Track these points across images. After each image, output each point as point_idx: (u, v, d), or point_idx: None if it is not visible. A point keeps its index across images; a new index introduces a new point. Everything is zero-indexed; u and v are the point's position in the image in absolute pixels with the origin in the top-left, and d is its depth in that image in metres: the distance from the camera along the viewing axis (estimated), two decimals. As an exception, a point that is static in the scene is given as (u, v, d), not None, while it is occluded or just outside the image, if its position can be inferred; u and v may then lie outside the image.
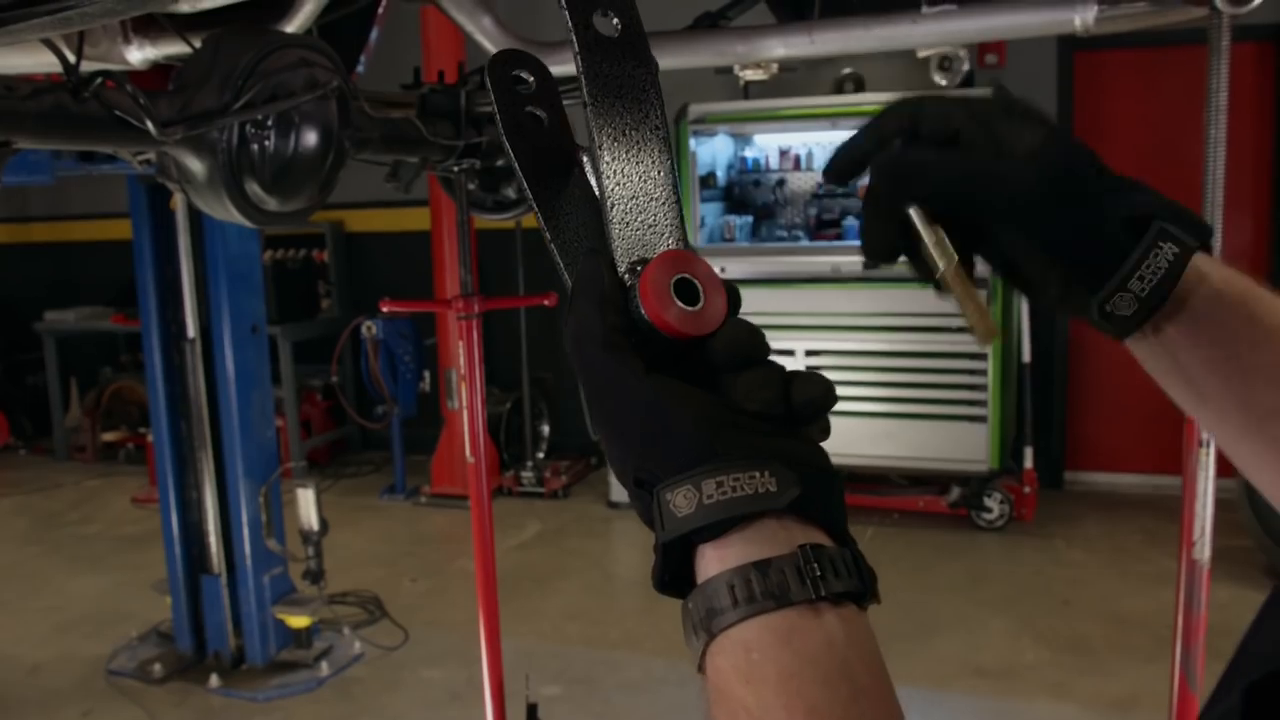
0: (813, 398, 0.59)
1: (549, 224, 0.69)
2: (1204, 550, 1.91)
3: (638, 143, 0.67)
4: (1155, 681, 4.04)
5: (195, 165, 1.67)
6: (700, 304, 0.62)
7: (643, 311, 0.62)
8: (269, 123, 1.69)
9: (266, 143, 1.70)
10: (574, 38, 0.66)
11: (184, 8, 1.47)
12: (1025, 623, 4.73)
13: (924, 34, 1.93)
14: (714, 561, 0.56)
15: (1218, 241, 1.86)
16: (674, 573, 0.58)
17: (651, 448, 0.58)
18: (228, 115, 1.59)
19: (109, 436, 8.05)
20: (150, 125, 1.48)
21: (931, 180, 0.73)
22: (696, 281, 0.62)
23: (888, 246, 0.75)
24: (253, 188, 1.72)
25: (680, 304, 0.61)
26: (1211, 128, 1.82)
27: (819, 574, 0.54)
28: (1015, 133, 0.73)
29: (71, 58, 1.48)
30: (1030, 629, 4.67)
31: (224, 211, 1.73)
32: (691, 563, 0.57)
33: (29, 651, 4.76)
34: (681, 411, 0.58)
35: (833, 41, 1.98)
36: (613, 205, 0.66)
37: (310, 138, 1.75)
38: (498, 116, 0.68)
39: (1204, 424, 0.77)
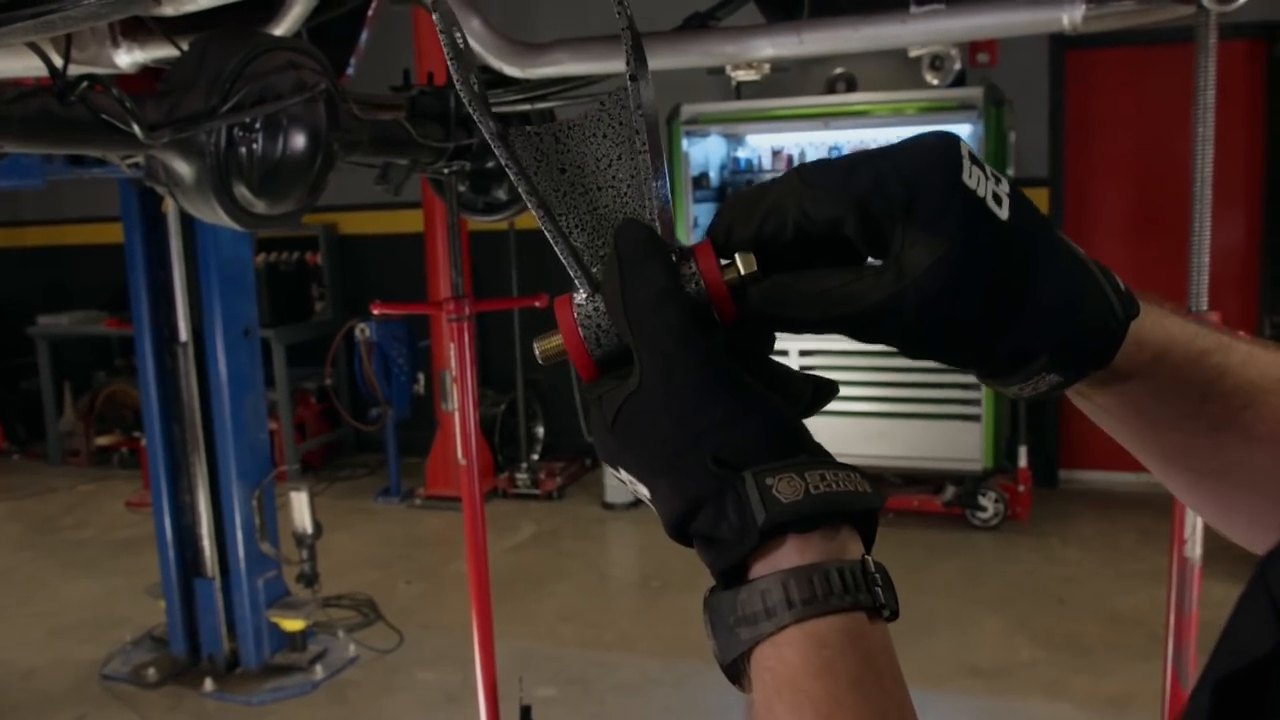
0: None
1: (546, 207, 0.67)
2: (1195, 548, 1.91)
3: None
4: (1150, 679, 4.03)
5: (183, 168, 1.67)
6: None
7: (702, 283, 0.62)
8: (257, 125, 1.69)
9: (254, 145, 1.70)
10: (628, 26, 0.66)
11: (168, 11, 1.47)
12: (1020, 621, 4.73)
13: (912, 33, 1.93)
14: (794, 553, 0.55)
15: (1205, 239, 1.86)
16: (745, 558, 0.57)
17: (744, 429, 0.58)
18: (215, 118, 1.59)
19: (102, 440, 8.03)
20: (137, 129, 1.48)
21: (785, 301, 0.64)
22: (737, 261, 0.63)
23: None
24: (241, 191, 1.72)
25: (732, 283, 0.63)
26: (1199, 125, 1.82)
27: (880, 583, 0.56)
28: (909, 240, 0.60)
29: (59, 62, 1.48)
30: (1025, 628, 4.67)
31: (212, 215, 1.72)
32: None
33: (23, 656, 4.75)
34: (770, 397, 0.59)
35: (821, 41, 1.98)
36: (648, 181, 0.66)
37: (298, 140, 1.75)
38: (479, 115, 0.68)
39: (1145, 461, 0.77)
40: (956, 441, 5.79)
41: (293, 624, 4.44)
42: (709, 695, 4.24)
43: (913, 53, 5.65)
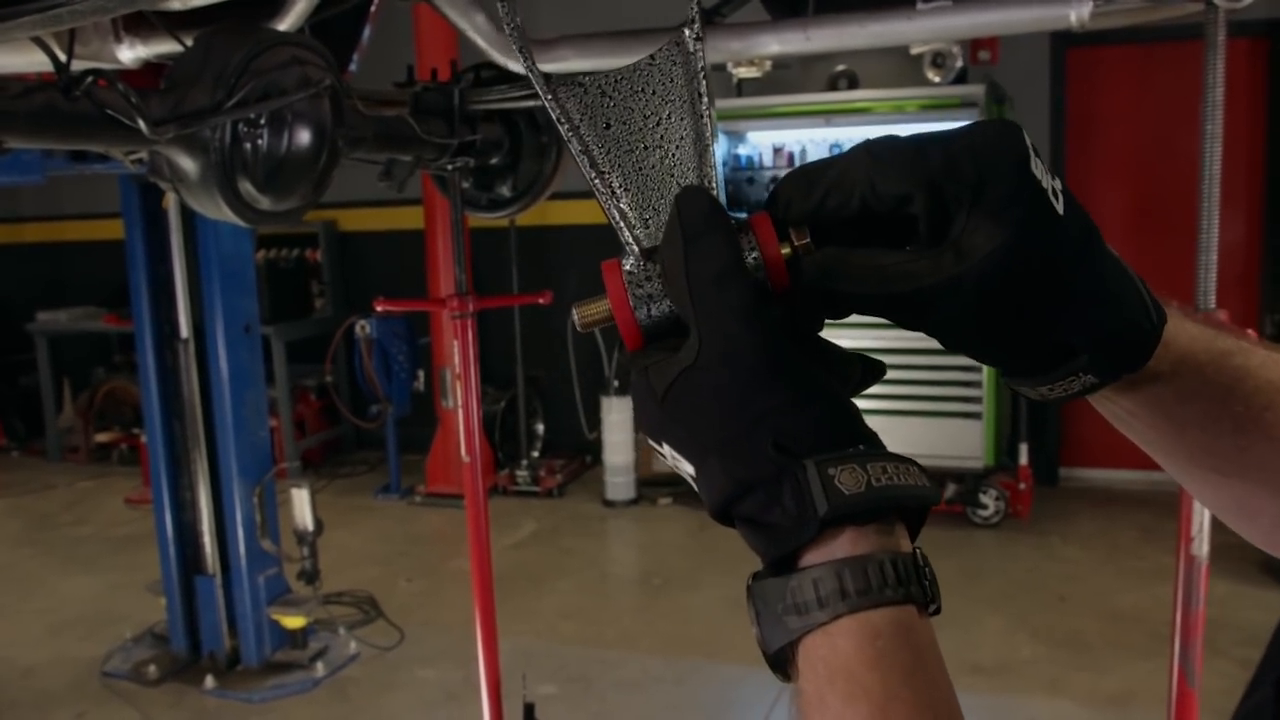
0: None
1: (599, 169, 0.66)
2: (1202, 546, 1.90)
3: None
4: (1151, 677, 4.05)
5: (188, 164, 1.66)
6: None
7: (762, 256, 0.61)
8: (262, 121, 1.68)
9: (259, 141, 1.69)
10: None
11: (175, 5, 1.46)
12: (1021, 619, 4.73)
13: (919, 30, 1.92)
14: (849, 544, 0.55)
15: (1214, 237, 1.86)
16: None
17: (807, 415, 0.57)
18: (220, 114, 1.58)
19: (102, 437, 8.03)
20: (142, 124, 1.47)
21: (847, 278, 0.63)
22: (807, 248, 0.62)
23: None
24: (245, 187, 1.71)
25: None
26: (1208, 123, 1.82)
27: (929, 578, 0.56)
28: (973, 225, 0.60)
29: (62, 57, 1.47)
30: (1026, 625, 4.67)
31: (217, 210, 1.72)
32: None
33: (23, 654, 4.74)
34: (831, 384, 0.59)
35: (828, 38, 1.97)
36: (709, 148, 0.65)
37: (303, 136, 1.74)
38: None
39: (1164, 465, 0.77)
40: (957, 439, 5.79)
41: (294, 621, 4.44)
42: (710, 692, 4.24)
43: (915, 50, 5.65)
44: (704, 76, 0.65)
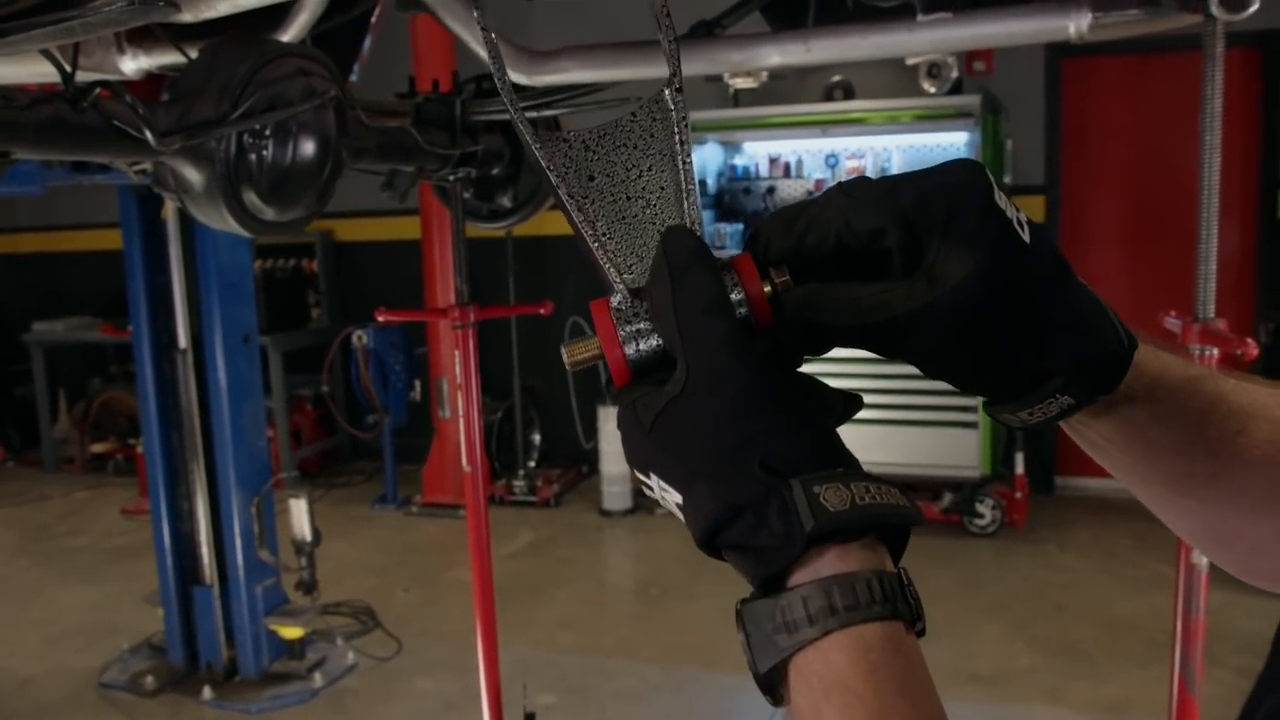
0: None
1: (582, 211, 0.69)
2: (1202, 555, 1.91)
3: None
4: (1149, 685, 4.05)
5: (193, 175, 1.67)
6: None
7: (745, 293, 0.64)
8: (267, 132, 1.69)
9: (264, 152, 1.70)
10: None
11: (186, 17, 1.47)
12: (1018, 628, 4.74)
13: (919, 41, 1.94)
14: (836, 561, 0.56)
15: (1213, 247, 1.87)
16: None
17: (793, 437, 0.59)
18: (226, 125, 1.59)
19: (98, 448, 8.02)
20: (149, 135, 1.48)
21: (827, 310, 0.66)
22: (785, 285, 0.65)
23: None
24: (250, 197, 1.72)
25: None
26: (1206, 133, 1.83)
27: (915, 598, 0.57)
28: (944, 254, 0.63)
29: (68, 68, 1.48)
30: (1023, 634, 4.67)
31: (221, 221, 1.72)
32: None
33: (19, 665, 4.73)
34: (814, 409, 0.61)
35: (829, 49, 1.98)
36: (690, 193, 0.68)
37: (308, 147, 1.75)
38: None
39: (1136, 492, 0.79)
40: (954, 449, 5.80)
41: (291, 631, 4.43)
42: (708, 702, 4.24)
43: (910, 61, 5.67)
44: (683, 131, 0.68)
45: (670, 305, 0.62)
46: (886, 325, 0.64)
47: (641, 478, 0.64)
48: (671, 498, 0.62)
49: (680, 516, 0.62)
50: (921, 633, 0.57)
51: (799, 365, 0.66)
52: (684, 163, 0.68)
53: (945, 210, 0.63)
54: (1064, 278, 0.66)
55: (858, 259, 0.65)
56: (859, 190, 0.65)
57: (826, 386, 0.64)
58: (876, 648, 0.54)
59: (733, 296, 0.63)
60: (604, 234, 0.68)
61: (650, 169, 0.69)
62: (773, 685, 0.58)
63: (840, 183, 0.66)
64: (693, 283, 0.62)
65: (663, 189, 0.69)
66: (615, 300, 0.67)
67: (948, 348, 0.65)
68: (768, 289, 0.64)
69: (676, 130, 0.69)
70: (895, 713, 0.53)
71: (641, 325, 0.66)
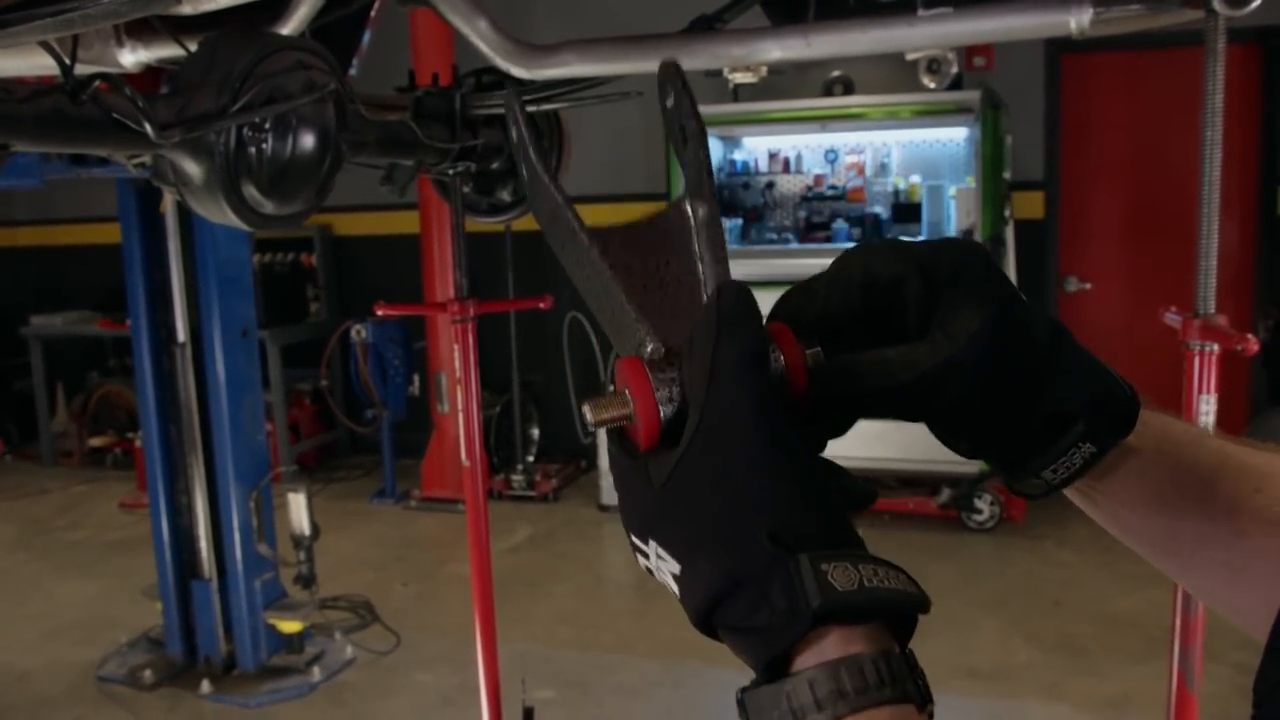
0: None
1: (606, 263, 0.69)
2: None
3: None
4: (1146, 681, 4.06)
5: (192, 168, 1.66)
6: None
7: (783, 363, 0.63)
8: (267, 125, 1.68)
9: (264, 145, 1.69)
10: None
11: (186, 9, 1.46)
12: (1016, 623, 4.75)
13: (920, 36, 1.93)
14: (841, 643, 0.54)
15: (1214, 243, 1.87)
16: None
17: (805, 512, 0.57)
18: (226, 118, 1.58)
19: (96, 441, 8.01)
20: (149, 128, 1.47)
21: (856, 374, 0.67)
22: (816, 358, 0.65)
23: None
24: (250, 191, 1.71)
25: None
26: (1207, 129, 1.83)
27: (923, 679, 0.56)
28: (956, 307, 0.66)
29: (66, 61, 1.47)
30: (1021, 629, 4.68)
31: (221, 215, 1.72)
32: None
33: (18, 658, 4.73)
34: (829, 488, 0.60)
35: (829, 44, 1.98)
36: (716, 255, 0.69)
37: (308, 140, 1.74)
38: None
39: (1147, 557, 0.78)
40: (952, 444, 5.80)
41: (290, 625, 4.43)
42: (708, 697, 4.24)
43: (910, 56, 5.67)
44: (699, 239, 0.70)
45: (710, 353, 0.59)
46: (915, 384, 0.65)
47: (639, 544, 0.62)
48: (669, 567, 0.59)
49: (675, 589, 0.59)
50: (930, 716, 0.56)
51: (823, 446, 0.66)
52: (709, 259, 0.69)
53: (953, 265, 0.67)
54: (1063, 329, 0.70)
55: (877, 324, 0.68)
56: (875, 246, 0.69)
57: (848, 474, 0.63)
58: None
59: (774, 363, 0.63)
60: (630, 309, 0.66)
61: (668, 263, 0.70)
62: None
63: (854, 246, 0.70)
64: (741, 333, 0.60)
65: (680, 279, 0.70)
66: (648, 352, 0.64)
67: (972, 401, 0.67)
68: (806, 360, 0.64)
69: (694, 239, 0.70)
70: None
71: (674, 384, 0.62)
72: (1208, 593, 0.79)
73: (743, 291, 0.62)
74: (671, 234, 0.70)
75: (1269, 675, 0.59)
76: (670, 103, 0.72)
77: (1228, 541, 0.71)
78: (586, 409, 0.63)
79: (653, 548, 0.60)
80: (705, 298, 0.68)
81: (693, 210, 0.71)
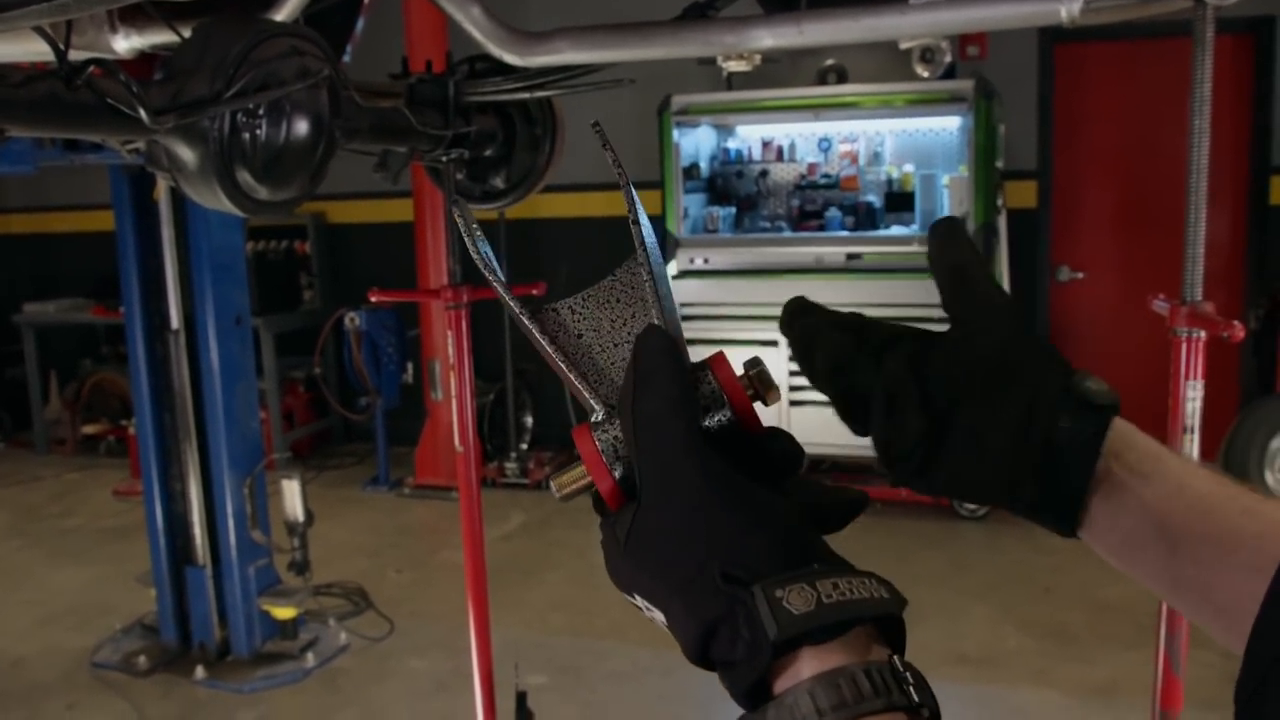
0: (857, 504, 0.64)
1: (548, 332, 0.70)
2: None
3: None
4: (1136, 667, 4.09)
5: (186, 154, 1.67)
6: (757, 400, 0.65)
7: (725, 396, 0.63)
8: (260, 111, 1.69)
9: (258, 131, 1.70)
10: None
11: (180, -5, 1.47)
12: (1007, 610, 4.77)
13: (912, 25, 1.94)
14: (813, 663, 0.54)
15: (1200, 231, 1.88)
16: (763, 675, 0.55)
17: (752, 541, 0.56)
18: (220, 103, 1.59)
19: (89, 429, 8.01)
20: (143, 113, 1.48)
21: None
22: (760, 376, 0.65)
23: None
24: (244, 176, 1.72)
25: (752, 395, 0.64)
26: (1196, 118, 1.84)
27: (912, 682, 0.54)
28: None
29: (60, 46, 1.48)
30: (1012, 616, 4.71)
31: (215, 200, 1.72)
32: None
33: (11, 645, 4.74)
34: (780, 508, 0.59)
35: (821, 32, 1.98)
36: (665, 299, 0.68)
37: (302, 126, 1.75)
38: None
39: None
40: (944, 432, 5.81)
41: (284, 612, 4.45)
42: (699, 683, 4.25)
43: (904, 45, 5.67)
44: (654, 287, 0.69)
45: (629, 408, 0.60)
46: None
47: (628, 599, 0.63)
48: (657, 617, 0.60)
49: (672, 635, 0.60)
50: (932, 717, 0.55)
51: (796, 467, 0.64)
52: (659, 308, 0.68)
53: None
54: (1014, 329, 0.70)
55: None
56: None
57: (822, 487, 0.63)
58: None
59: (706, 393, 0.63)
60: (590, 376, 0.69)
61: (634, 316, 0.71)
62: None
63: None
64: (656, 382, 0.60)
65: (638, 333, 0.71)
66: (595, 418, 0.66)
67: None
68: (744, 377, 0.64)
69: (647, 289, 0.69)
70: None
71: (619, 443, 0.64)
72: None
73: (658, 339, 0.63)
74: (633, 284, 0.72)
75: (1246, 683, 0.59)
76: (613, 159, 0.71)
77: (1248, 575, 0.64)
78: (552, 484, 0.67)
79: (638, 599, 0.61)
80: (658, 311, 0.69)
81: (643, 266, 0.71)
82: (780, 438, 0.64)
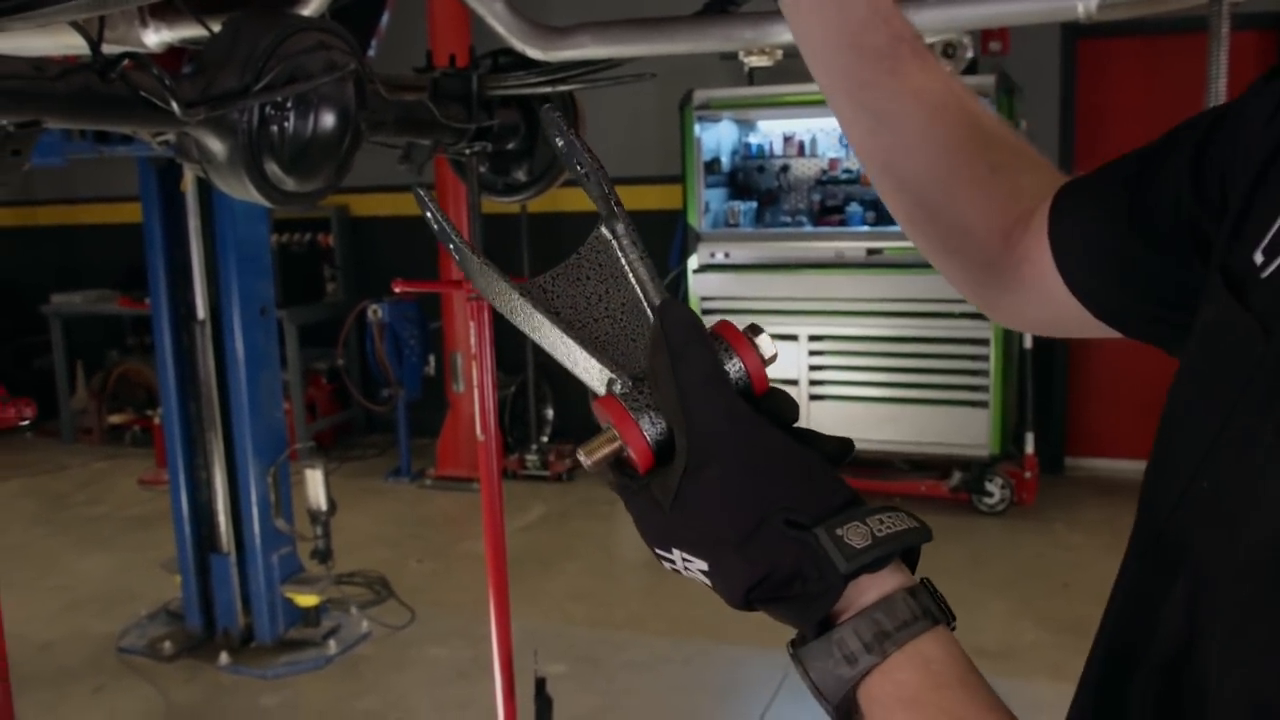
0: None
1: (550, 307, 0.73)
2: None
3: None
4: (1153, 662, 4.09)
5: (216, 146, 1.71)
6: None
7: (740, 363, 0.68)
8: (288, 104, 1.73)
9: (286, 124, 1.74)
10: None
11: (210, -9, 1.51)
12: (1025, 604, 4.78)
13: (928, 20, 1.96)
14: (872, 590, 0.62)
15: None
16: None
17: (805, 489, 0.63)
18: (249, 96, 1.63)
19: (115, 419, 8.10)
20: (175, 105, 1.52)
21: None
22: (757, 342, 0.69)
23: None
24: (272, 168, 1.76)
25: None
26: (1211, 113, 1.85)
27: (942, 600, 0.65)
28: None
29: (94, 40, 1.52)
30: (1030, 611, 4.72)
31: (243, 191, 1.76)
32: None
33: (39, 630, 4.81)
34: (815, 458, 0.65)
35: (840, 27, 2.00)
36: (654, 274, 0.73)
37: (328, 119, 1.79)
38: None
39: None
40: (964, 428, 5.83)
41: (307, 599, 4.50)
42: (717, 673, 4.30)
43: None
44: (626, 257, 0.74)
45: (673, 381, 0.65)
46: None
47: (661, 553, 0.68)
48: (697, 566, 0.65)
49: (707, 582, 0.65)
50: (953, 628, 0.64)
51: (795, 418, 0.69)
52: (638, 279, 0.73)
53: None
54: None
55: None
56: None
57: (821, 435, 0.68)
58: (933, 658, 0.61)
59: (728, 368, 0.68)
60: (595, 348, 0.72)
61: (608, 291, 0.74)
62: (849, 713, 0.62)
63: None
64: (694, 353, 0.66)
65: (624, 303, 0.74)
66: (619, 388, 0.70)
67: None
68: (759, 355, 0.69)
69: (620, 259, 0.74)
70: (971, 705, 0.60)
71: (650, 409, 0.68)
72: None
73: (682, 312, 0.68)
74: (602, 262, 0.75)
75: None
76: (561, 144, 0.75)
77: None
78: (581, 454, 0.70)
79: (677, 554, 0.66)
80: (650, 315, 0.73)
81: (610, 232, 0.75)
82: (779, 396, 0.69)
